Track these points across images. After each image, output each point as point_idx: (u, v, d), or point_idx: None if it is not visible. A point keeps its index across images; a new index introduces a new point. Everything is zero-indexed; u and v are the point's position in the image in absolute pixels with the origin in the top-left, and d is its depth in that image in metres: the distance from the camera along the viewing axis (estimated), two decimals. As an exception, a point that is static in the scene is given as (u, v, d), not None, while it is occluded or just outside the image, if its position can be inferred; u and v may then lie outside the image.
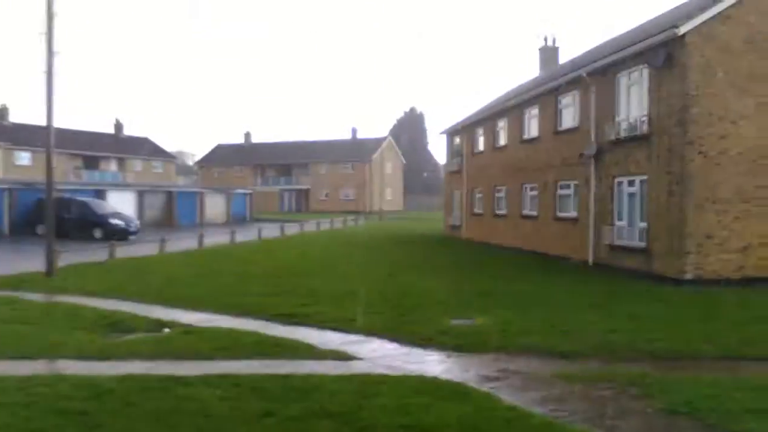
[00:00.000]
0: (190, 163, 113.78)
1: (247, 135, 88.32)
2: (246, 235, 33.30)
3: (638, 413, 6.41)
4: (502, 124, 27.83)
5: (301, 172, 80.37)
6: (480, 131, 30.97)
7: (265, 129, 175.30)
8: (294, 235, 35.39)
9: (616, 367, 8.05)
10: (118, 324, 10.71)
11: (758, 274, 14.97)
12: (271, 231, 36.35)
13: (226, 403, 6.36)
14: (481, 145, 30.90)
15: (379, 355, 8.86)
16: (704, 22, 14.97)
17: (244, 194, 55.67)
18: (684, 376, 7.61)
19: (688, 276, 14.88)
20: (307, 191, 79.55)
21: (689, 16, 15.05)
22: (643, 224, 16.69)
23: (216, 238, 30.10)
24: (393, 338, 9.73)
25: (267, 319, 11.20)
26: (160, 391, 6.77)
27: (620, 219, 17.96)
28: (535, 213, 23.86)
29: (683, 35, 14.92)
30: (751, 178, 15.13)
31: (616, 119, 18.03)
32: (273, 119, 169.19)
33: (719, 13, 15.05)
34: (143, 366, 8.01)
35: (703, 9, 15.10)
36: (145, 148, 71.59)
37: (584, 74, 19.32)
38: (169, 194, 45.88)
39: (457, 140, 34.97)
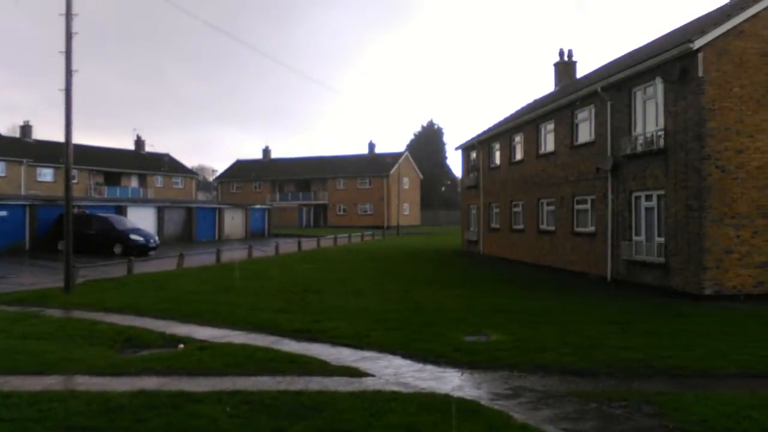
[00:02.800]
0: (210, 179, 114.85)
1: (266, 151, 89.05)
2: (263, 250, 33.45)
3: (652, 432, 6.31)
4: (518, 139, 27.76)
5: (320, 188, 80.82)
6: (496, 146, 30.90)
7: (284, 145, 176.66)
8: (311, 250, 35.50)
9: (631, 385, 7.94)
10: (133, 339, 10.78)
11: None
12: (288, 246, 36.50)
13: (235, 421, 6.37)
14: (497, 160, 30.80)
15: (392, 371, 8.81)
16: (718, 37, 14.88)
17: (263, 209, 55.99)
18: (700, 394, 7.47)
19: (708, 291, 14.67)
20: (325, 206, 79.88)
21: (703, 31, 14.97)
22: (661, 239, 16.51)
23: (234, 254, 30.28)
24: (406, 355, 9.67)
25: (281, 335, 11.21)
26: (171, 407, 6.79)
27: (638, 234, 17.78)
28: (552, 228, 23.70)
29: (697, 50, 14.84)
30: (770, 192, 14.92)
31: (633, 134, 17.92)
32: (292, 135, 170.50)
33: (733, 28, 14.95)
34: (156, 382, 8.05)
35: (717, 23, 15.01)
36: (165, 164, 72.46)
37: (599, 89, 19.24)
38: (189, 210, 46.26)
39: (474, 155, 34.94)
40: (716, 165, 14.83)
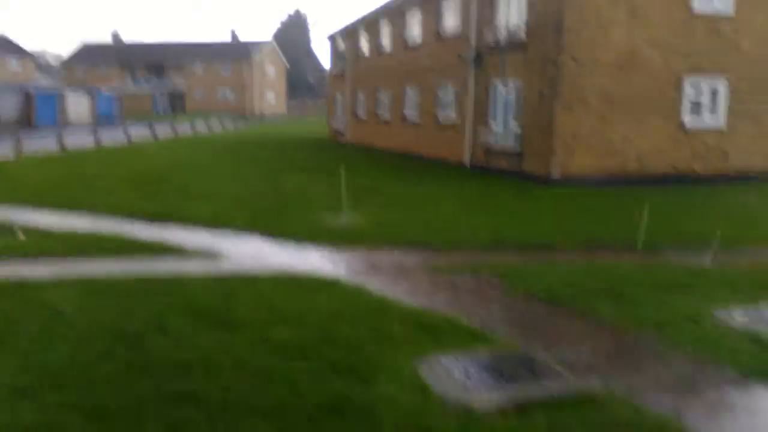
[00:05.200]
0: (54, 64, 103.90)
1: (116, 35, 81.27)
2: (113, 136, 31.21)
3: (499, 299, 6.70)
4: (385, 29, 27.21)
5: (176, 74, 75.58)
6: (364, 35, 30.19)
7: (136, 30, 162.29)
8: (167, 138, 33.60)
9: (483, 259, 8.34)
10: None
11: (618, 172, 15.92)
12: (141, 133, 34.27)
13: (77, 301, 5.96)
14: (365, 50, 30.22)
15: (252, 253, 8.65)
16: (581, -72, 14.99)
17: (112, 94, 51.89)
18: (543, 265, 8.02)
19: (555, 175, 15.58)
20: (182, 93, 75.25)
21: None
22: (517, 127, 17.17)
23: (79, 140, 28.00)
24: (267, 236, 9.51)
25: (133, 220, 10.58)
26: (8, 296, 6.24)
27: (495, 122, 18.36)
28: (416, 117, 23.92)
29: (561, -62, 14.90)
30: (617, 82, 15.76)
31: (496, 24, 18.05)
32: (143, 20, 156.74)
33: None
34: (-12, 270, 7.33)
35: None
36: (-3, 44, 64.24)
37: (466, -24, 19.03)
38: (27, 94, 41.92)
39: (342, 44, 34.02)
40: (571, 56, 15.36)
